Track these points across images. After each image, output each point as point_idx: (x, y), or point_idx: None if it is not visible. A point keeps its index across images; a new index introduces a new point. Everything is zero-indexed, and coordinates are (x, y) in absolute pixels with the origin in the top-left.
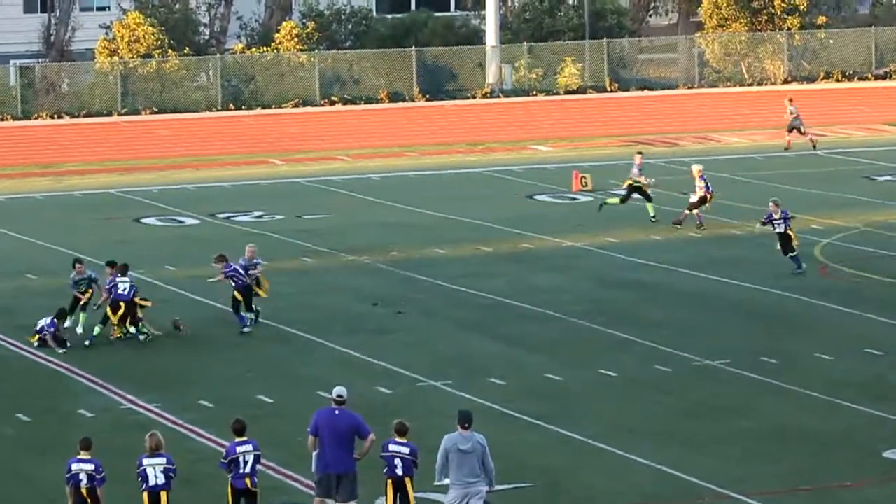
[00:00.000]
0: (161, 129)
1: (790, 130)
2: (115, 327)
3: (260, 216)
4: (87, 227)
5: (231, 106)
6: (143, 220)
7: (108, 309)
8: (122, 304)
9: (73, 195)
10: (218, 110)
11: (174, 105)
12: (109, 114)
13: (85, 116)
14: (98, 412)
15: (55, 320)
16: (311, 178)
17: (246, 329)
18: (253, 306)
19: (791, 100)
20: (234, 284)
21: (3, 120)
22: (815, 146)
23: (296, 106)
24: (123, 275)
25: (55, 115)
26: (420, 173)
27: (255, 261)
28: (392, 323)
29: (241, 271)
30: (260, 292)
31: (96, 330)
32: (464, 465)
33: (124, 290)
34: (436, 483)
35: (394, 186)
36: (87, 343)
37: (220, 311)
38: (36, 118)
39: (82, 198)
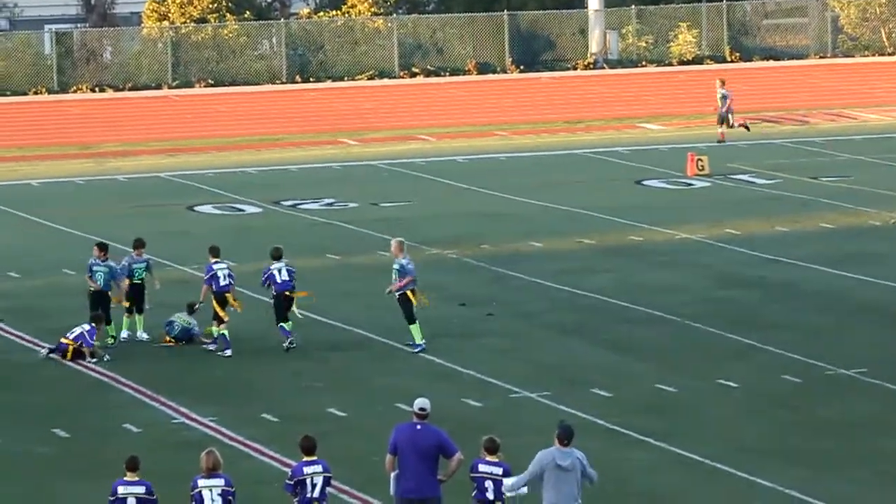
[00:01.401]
0: (217, 105)
1: (722, 122)
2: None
3: (330, 204)
4: (132, 217)
5: (297, 78)
6: (197, 209)
7: (215, 304)
8: (227, 296)
9: (116, 179)
10: (282, 83)
11: (232, 77)
12: (158, 87)
13: (130, 90)
14: (146, 427)
15: (94, 326)
16: (389, 161)
17: (286, 344)
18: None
19: (723, 82)
20: (273, 292)
21: (37, 94)
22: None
23: (371, 78)
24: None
25: (96, 88)
26: (512, 155)
27: (401, 260)
28: (481, 326)
29: (277, 275)
30: (414, 300)
31: (215, 331)
32: (563, 484)
33: (224, 277)
34: (504, 489)
35: (482, 170)
36: (211, 348)
37: None
38: (74, 91)
39: (127, 183)
